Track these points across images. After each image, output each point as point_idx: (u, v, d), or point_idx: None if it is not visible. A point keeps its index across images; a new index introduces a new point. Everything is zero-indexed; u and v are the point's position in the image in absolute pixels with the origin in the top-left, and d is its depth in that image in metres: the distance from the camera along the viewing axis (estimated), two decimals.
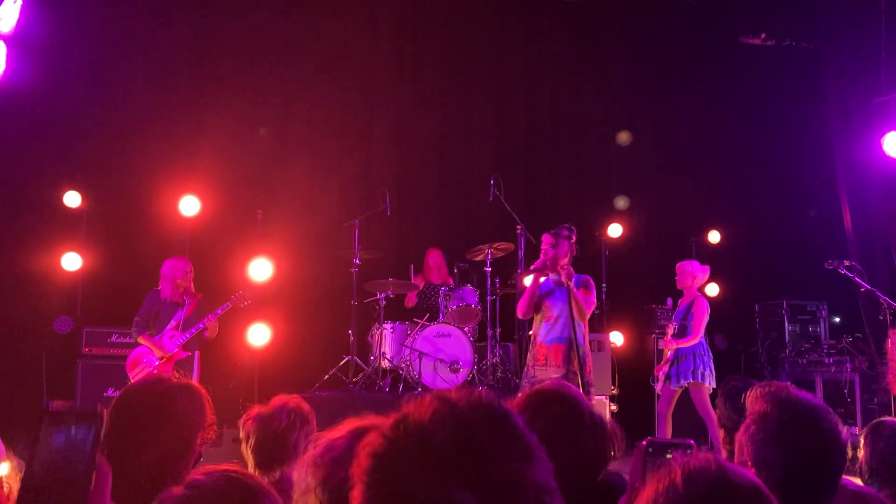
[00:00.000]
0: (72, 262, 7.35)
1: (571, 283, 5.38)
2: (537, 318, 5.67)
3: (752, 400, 2.02)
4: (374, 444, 0.98)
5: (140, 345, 6.24)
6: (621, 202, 9.20)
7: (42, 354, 6.92)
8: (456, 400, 1.00)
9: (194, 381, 2.15)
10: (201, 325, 6.24)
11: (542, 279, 5.69)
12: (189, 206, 7.47)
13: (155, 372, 5.72)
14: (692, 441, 1.64)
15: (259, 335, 7.21)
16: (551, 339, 5.52)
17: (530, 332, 6.00)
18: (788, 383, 2.09)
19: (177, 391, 2.03)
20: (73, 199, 7.49)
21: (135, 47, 8.12)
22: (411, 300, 8.12)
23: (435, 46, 9.34)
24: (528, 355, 5.69)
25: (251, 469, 2.48)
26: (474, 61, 9.51)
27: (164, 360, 6.13)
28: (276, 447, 2.52)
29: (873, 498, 2.17)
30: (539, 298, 5.63)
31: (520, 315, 5.72)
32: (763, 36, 8.57)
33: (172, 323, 6.28)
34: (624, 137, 9.21)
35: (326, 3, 8.87)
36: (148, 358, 6.17)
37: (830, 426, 1.90)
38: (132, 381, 5.63)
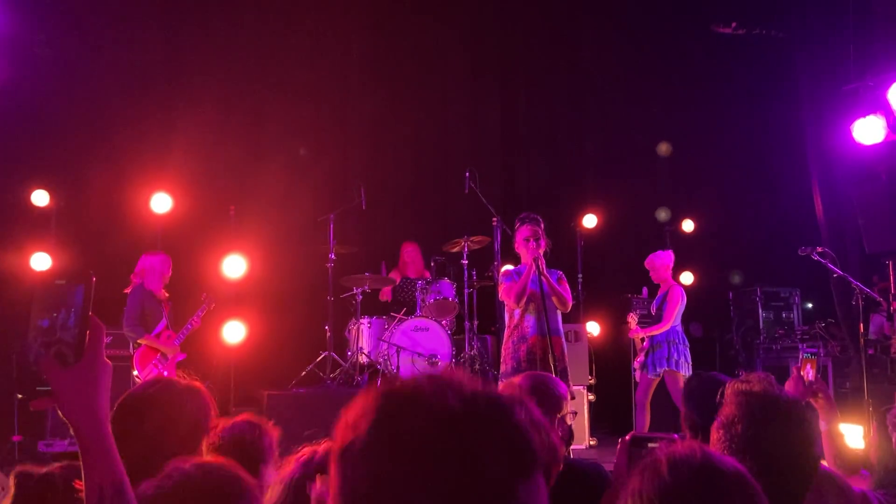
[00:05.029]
0: (41, 262, 7.20)
1: (544, 269, 5.21)
2: (525, 309, 5.36)
3: (727, 397, 1.99)
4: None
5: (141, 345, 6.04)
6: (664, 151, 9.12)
7: (12, 356, 6.78)
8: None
9: (200, 384, 2.07)
10: (190, 327, 6.12)
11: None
12: (160, 203, 7.37)
13: (164, 373, 5.60)
14: (676, 435, 1.64)
15: (234, 332, 7.13)
16: (544, 332, 5.18)
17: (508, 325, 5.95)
18: (763, 381, 2.03)
19: (186, 393, 1.97)
20: (41, 197, 7.34)
21: (105, 43, 7.96)
22: (386, 295, 8.08)
23: (409, 40, 9.29)
24: (519, 348, 5.36)
25: None
26: (448, 55, 9.49)
27: (169, 361, 6.01)
28: None
29: (827, 475, 2.17)
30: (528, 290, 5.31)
31: (516, 302, 5.35)
32: (734, 25, 8.61)
33: (164, 322, 6.13)
34: (664, 149, 9.18)
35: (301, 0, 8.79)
36: (155, 357, 6.00)
37: (798, 437, 1.85)
38: (142, 379, 5.55)
